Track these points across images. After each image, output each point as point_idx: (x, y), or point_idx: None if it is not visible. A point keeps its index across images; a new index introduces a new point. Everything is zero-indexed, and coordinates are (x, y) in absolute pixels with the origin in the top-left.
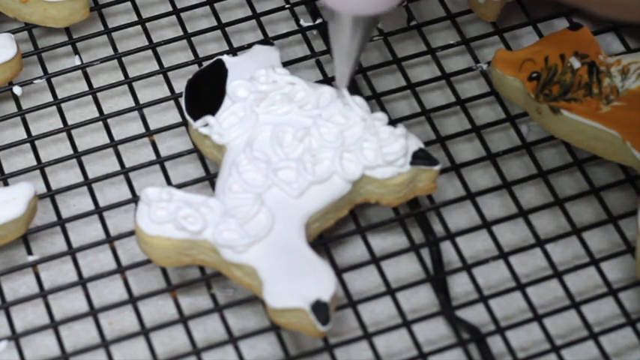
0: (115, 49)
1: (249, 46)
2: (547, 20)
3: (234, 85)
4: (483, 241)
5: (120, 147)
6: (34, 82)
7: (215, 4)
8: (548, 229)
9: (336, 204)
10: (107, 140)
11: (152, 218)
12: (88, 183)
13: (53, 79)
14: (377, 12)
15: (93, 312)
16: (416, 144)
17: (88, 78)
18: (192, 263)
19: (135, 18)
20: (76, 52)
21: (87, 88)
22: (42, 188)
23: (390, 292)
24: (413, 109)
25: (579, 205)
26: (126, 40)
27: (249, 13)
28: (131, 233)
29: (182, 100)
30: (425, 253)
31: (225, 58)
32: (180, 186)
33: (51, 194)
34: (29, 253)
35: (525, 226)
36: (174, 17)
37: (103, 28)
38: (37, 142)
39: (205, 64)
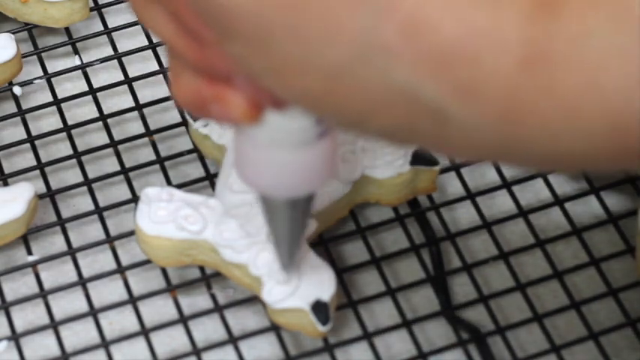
0: (114, 48)
1: None
2: None
3: None
4: (483, 241)
5: (120, 147)
6: (34, 82)
7: None
8: (548, 229)
9: (336, 204)
10: (107, 140)
11: (152, 218)
12: (88, 183)
13: (53, 79)
14: (313, 190)
15: (93, 312)
16: None
17: (87, 78)
18: (192, 263)
19: (135, 17)
20: (76, 51)
21: (87, 88)
22: (42, 188)
23: (390, 292)
24: None
25: (579, 205)
26: (126, 39)
27: None
28: (131, 233)
29: None
30: (425, 253)
31: None
32: (180, 186)
33: (51, 194)
34: (29, 253)
35: (525, 226)
36: None
37: (102, 28)
38: (37, 142)
39: None
